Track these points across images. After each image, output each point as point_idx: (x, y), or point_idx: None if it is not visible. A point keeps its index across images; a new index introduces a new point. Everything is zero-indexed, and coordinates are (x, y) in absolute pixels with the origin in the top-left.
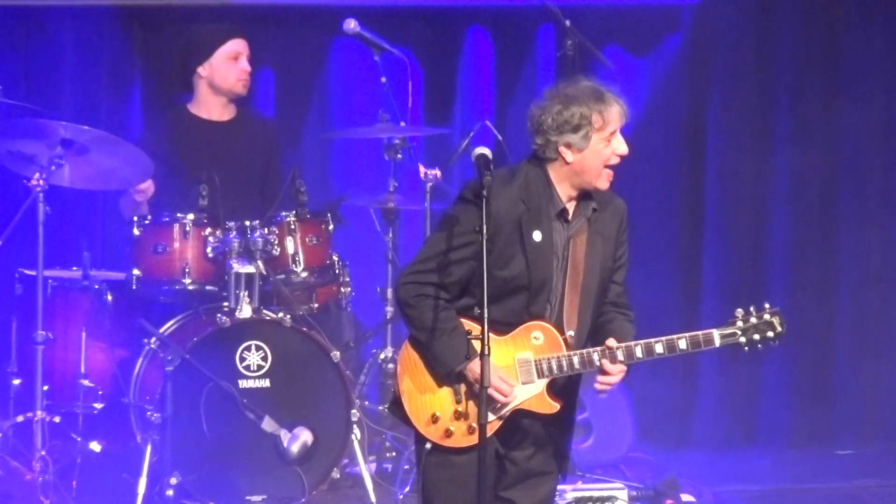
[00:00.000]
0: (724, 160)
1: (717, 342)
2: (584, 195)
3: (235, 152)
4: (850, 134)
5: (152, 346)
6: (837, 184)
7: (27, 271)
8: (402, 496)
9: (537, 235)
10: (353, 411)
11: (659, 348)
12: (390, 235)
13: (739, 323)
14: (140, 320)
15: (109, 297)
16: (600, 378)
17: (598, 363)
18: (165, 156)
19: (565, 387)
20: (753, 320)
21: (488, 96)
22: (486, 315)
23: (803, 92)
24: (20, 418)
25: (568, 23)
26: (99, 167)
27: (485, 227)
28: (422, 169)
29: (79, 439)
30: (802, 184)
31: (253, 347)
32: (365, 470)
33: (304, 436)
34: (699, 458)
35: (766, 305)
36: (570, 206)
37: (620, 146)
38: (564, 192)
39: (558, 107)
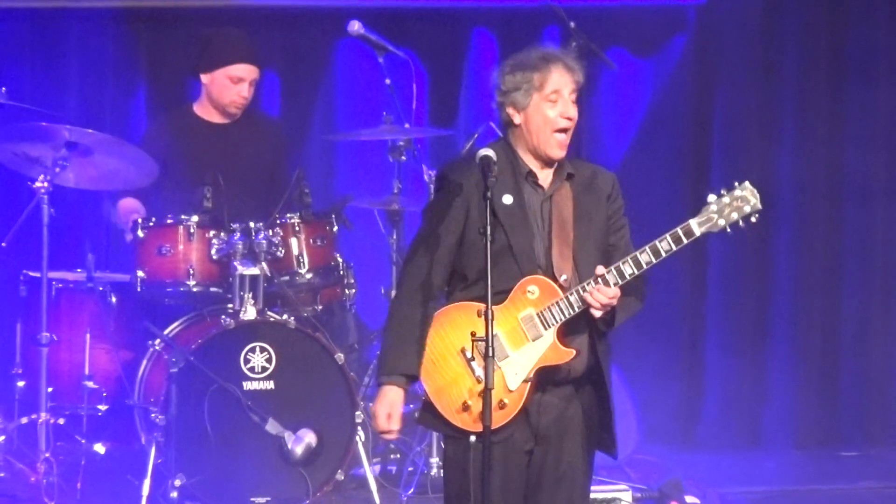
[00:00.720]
0: (729, 161)
1: (697, 231)
2: (558, 166)
3: (240, 154)
4: (856, 134)
5: (157, 347)
6: (843, 184)
7: (32, 273)
8: (405, 498)
9: (507, 199)
10: (357, 413)
11: (645, 257)
12: (394, 237)
13: (713, 206)
14: (144, 322)
15: (114, 299)
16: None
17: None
18: (169, 156)
19: (587, 344)
20: (726, 199)
21: (493, 98)
22: (490, 320)
23: (809, 92)
24: (24, 420)
25: (573, 24)
26: (103, 168)
27: (487, 225)
28: (426, 170)
29: (83, 441)
30: (808, 184)
31: (257, 349)
32: (369, 472)
33: (309, 438)
34: (704, 459)
35: (735, 183)
36: (542, 173)
37: (566, 109)
38: (528, 159)
39: (508, 68)
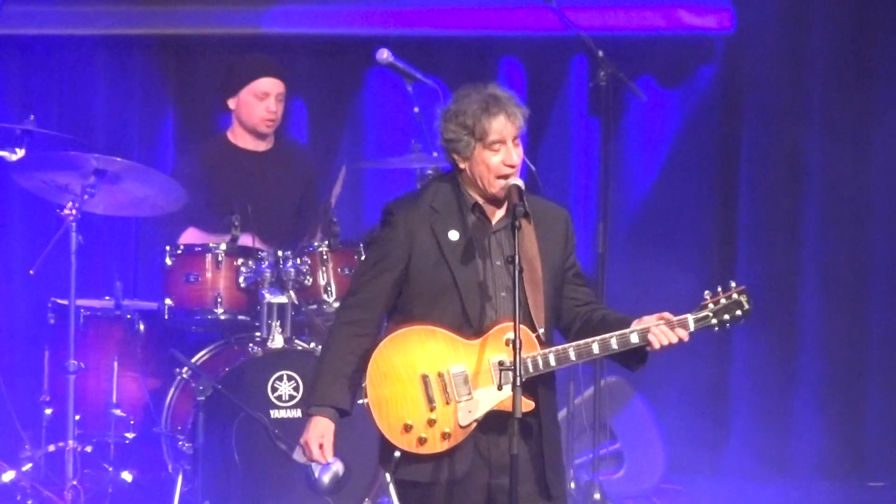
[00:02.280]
0: (757, 191)
1: (692, 326)
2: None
3: (271, 182)
4: (885, 164)
5: (184, 375)
6: (872, 213)
7: (60, 300)
8: None
9: (453, 234)
10: None
11: (634, 338)
12: None
13: (710, 305)
14: (172, 350)
15: (141, 327)
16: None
17: (573, 358)
18: (202, 183)
19: (540, 389)
20: (723, 301)
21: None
22: (518, 345)
23: (838, 124)
24: (52, 448)
25: (601, 53)
26: (131, 195)
27: (516, 255)
28: None
29: (110, 469)
30: (837, 216)
31: (285, 377)
32: (396, 501)
33: (336, 466)
34: (730, 488)
35: (732, 284)
36: (489, 207)
37: (508, 157)
38: (475, 193)
39: (450, 114)
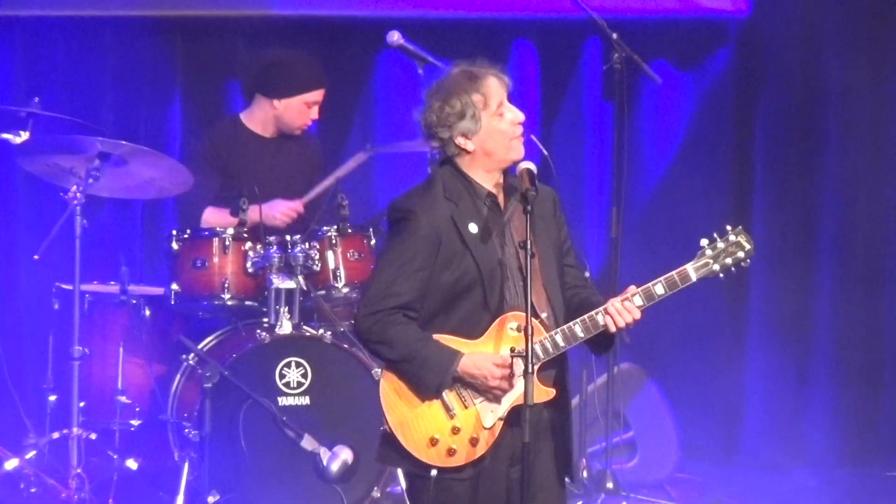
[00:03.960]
0: (772, 176)
1: (694, 276)
2: (509, 186)
3: (278, 167)
4: None
5: (190, 362)
6: (888, 198)
7: (64, 286)
8: None
9: (473, 227)
10: None
11: (638, 300)
12: None
13: (708, 251)
14: (178, 336)
15: (147, 313)
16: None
17: (581, 334)
18: (216, 165)
19: (555, 375)
20: (721, 245)
21: (533, 110)
22: (530, 334)
23: (854, 106)
24: (56, 435)
25: (615, 36)
26: (138, 178)
27: (528, 240)
28: None
29: (115, 457)
30: (852, 199)
31: (293, 364)
32: (406, 489)
33: (345, 454)
34: (746, 477)
35: (728, 227)
36: (498, 192)
37: (514, 114)
38: (484, 179)
39: (438, 103)
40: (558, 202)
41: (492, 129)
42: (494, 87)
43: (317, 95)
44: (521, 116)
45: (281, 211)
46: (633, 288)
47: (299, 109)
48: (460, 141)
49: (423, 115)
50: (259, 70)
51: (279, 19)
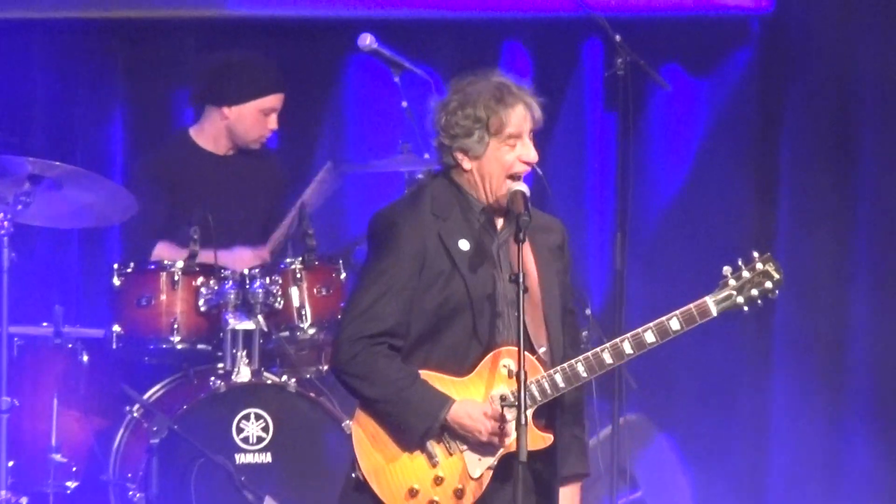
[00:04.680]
0: (801, 194)
1: (714, 310)
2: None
3: (235, 191)
4: None
5: (135, 414)
6: None
7: None
8: None
9: (463, 244)
10: None
11: (650, 337)
12: None
13: (732, 282)
14: (121, 385)
15: (85, 358)
16: None
17: (584, 374)
18: (162, 189)
19: (550, 415)
20: (746, 274)
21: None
22: (523, 380)
23: (890, 111)
24: None
25: (618, 37)
26: (74, 204)
27: (521, 272)
28: None
29: None
30: (893, 221)
31: (252, 416)
32: None
33: None
34: None
35: (755, 254)
36: (495, 212)
37: (527, 152)
38: (478, 194)
39: (454, 105)
40: (567, 238)
41: (494, 157)
42: (519, 117)
43: (273, 101)
44: (533, 156)
45: (244, 262)
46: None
47: (254, 118)
48: (459, 156)
49: (436, 112)
50: (206, 76)
51: (234, 20)
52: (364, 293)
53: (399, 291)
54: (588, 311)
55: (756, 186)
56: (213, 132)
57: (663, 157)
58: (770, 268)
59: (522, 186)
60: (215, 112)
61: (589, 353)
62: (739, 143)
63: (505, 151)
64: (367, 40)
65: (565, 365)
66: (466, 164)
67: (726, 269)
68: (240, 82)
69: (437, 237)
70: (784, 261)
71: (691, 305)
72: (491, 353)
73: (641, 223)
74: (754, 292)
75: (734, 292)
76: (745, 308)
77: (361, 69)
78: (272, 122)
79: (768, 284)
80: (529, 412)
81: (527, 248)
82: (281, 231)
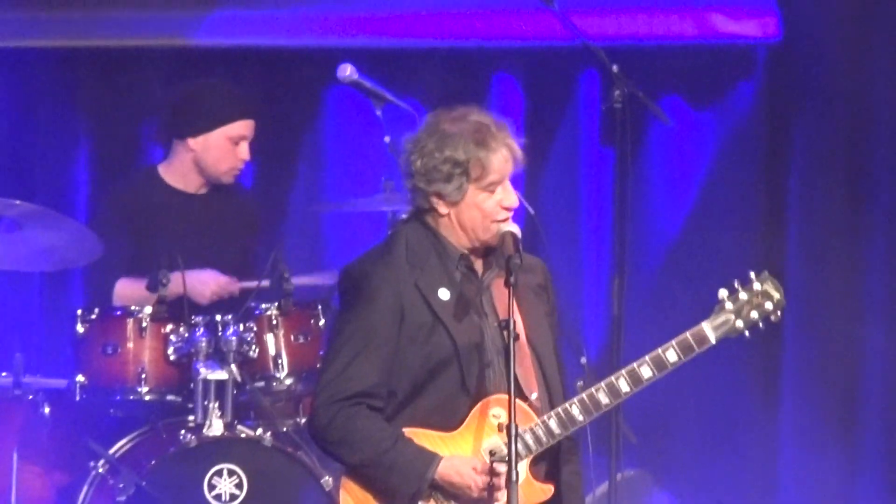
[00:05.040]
0: (811, 233)
1: (713, 337)
2: (487, 250)
3: (206, 231)
4: None
5: (100, 470)
6: None
7: None
8: None
9: (444, 293)
10: None
11: (646, 371)
12: None
13: (728, 304)
14: (85, 438)
15: (47, 410)
16: None
17: (580, 418)
18: (132, 230)
19: (550, 464)
20: (744, 296)
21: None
22: (514, 433)
23: None
24: None
25: (615, 68)
26: (34, 246)
27: (511, 318)
28: None
29: None
30: None
31: (225, 472)
32: None
33: None
34: None
35: (752, 274)
36: (474, 256)
37: (507, 198)
38: (459, 242)
39: (430, 146)
40: (549, 276)
41: (473, 204)
42: (500, 162)
43: (242, 128)
44: (513, 200)
45: (213, 286)
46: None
47: (222, 147)
48: (433, 199)
49: (408, 151)
50: (169, 108)
51: (203, 50)
52: (338, 353)
53: (376, 349)
54: (583, 360)
55: (763, 227)
56: (181, 168)
57: (664, 196)
58: (769, 287)
59: (513, 227)
60: (181, 146)
61: (584, 395)
62: (745, 180)
63: (484, 198)
64: (346, 71)
65: (559, 409)
66: (443, 209)
67: (722, 292)
68: (204, 110)
69: (415, 288)
70: (793, 297)
71: (687, 333)
72: (479, 404)
73: (641, 266)
74: (754, 315)
75: (732, 316)
76: (746, 333)
77: (341, 102)
78: (243, 152)
79: (769, 305)
80: (524, 464)
81: (504, 288)
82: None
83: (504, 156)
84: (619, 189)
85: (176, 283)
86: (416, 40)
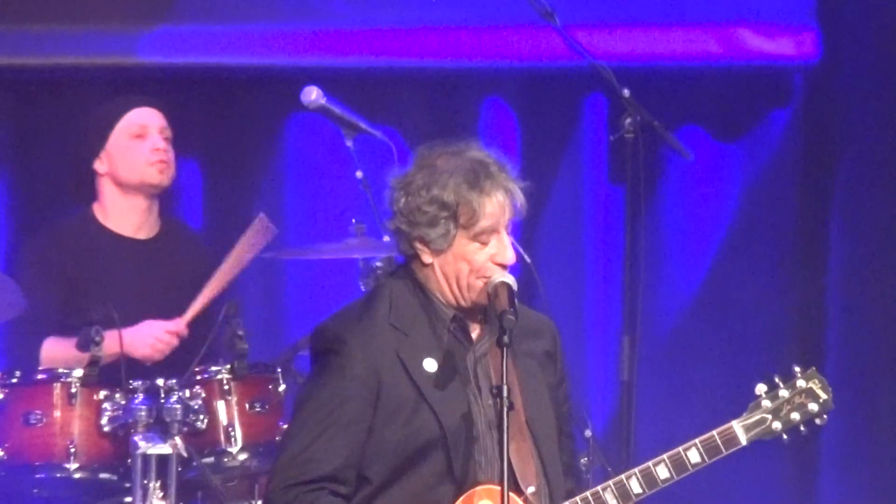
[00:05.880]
0: (854, 285)
1: (744, 438)
2: (485, 309)
3: (152, 282)
4: None
5: None
6: None
7: None
8: None
9: (429, 364)
10: None
11: (663, 472)
12: None
13: (766, 403)
14: None
15: None
16: None
17: None
18: (55, 281)
19: None
20: (785, 393)
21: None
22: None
23: None
24: None
25: (626, 92)
26: None
27: (504, 383)
28: None
29: None
30: None
31: None
32: None
33: None
34: None
35: (797, 369)
36: (470, 317)
37: (501, 252)
38: (446, 296)
39: (417, 184)
40: (558, 339)
41: (461, 255)
42: (496, 208)
43: (139, 116)
44: (510, 257)
45: (155, 338)
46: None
47: (125, 147)
48: (417, 245)
49: (395, 189)
50: (72, 147)
51: (148, 69)
52: (301, 429)
53: (345, 427)
54: (588, 433)
55: (800, 279)
56: (112, 206)
57: (682, 243)
58: (815, 385)
59: (508, 278)
60: (99, 179)
61: (588, 493)
62: (778, 225)
63: (474, 249)
64: (312, 94)
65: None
66: (427, 257)
67: (760, 388)
68: (92, 123)
69: (397, 358)
70: (835, 372)
71: (714, 432)
72: (464, 495)
73: (655, 325)
74: (795, 416)
75: (769, 416)
76: (784, 436)
77: (306, 130)
78: (156, 142)
79: (813, 407)
80: None
81: (509, 356)
82: (206, 296)
83: (500, 201)
84: (630, 235)
85: (111, 340)
86: (394, 60)
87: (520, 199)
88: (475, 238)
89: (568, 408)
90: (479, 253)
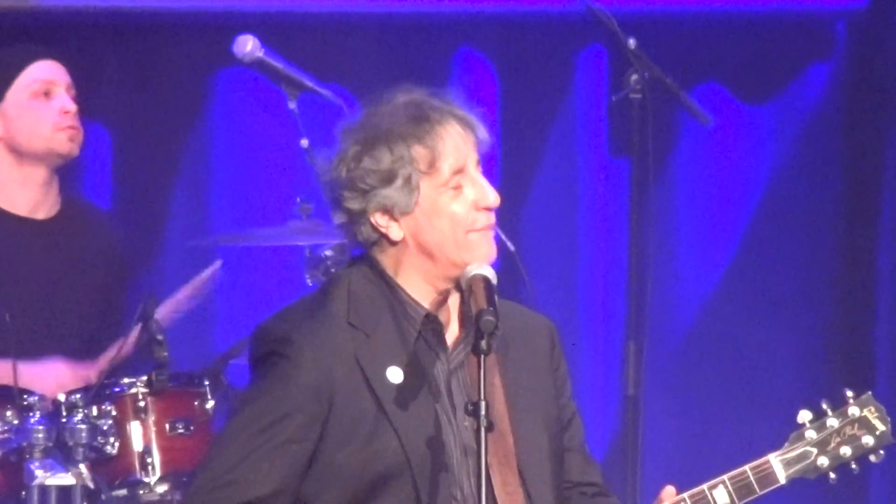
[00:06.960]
0: None
1: (783, 476)
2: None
3: (48, 272)
4: None
5: None
6: None
7: None
8: None
9: (394, 374)
10: None
11: None
12: None
13: (811, 434)
14: None
15: None
16: None
17: None
18: None
19: None
20: (833, 423)
21: (491, 168)
22: None
23: None
24: None
25: (632, 42)
26: None
27: (481, 398)
28: None
29: None
30: None
31: None
32: None
33: None
34: None
35: (849, 394)
36: (442, 312)
37: (481, 194)
38: (421, 291)
39: (354, 150)
40: (558, 341)
41: (437, 210)
42: (455, 139)
43: (41, 71)
44: (492, 198)
45: (58, 384)
46: (669, 490)
47: (28, 108)
48: (379, 220)
49: (332, 168)
50: None
51: (47, 14)
52: (228, 445)
53: (281, 446)
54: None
55: (845, 274)
56: (4, 177)
57: (699, 229)
58: (871, 414)
59: (486, 270)
60: None
61: None
62: (817, 206)
63: (449, 199)
64: (248, 45)
65: None
66: (395, 231)
67: (803, 415)
68: None
69: (355, 362)
70: (889, 394)
71: (747, 467)
72: None
73: (665, 329)
74: (846, 451)
75: (814, 449)
76: (832, 474)
77: (238, 89)
78: (63, 102)
79: (868, 440)
80: None
81: (492, 365)
82: (122, 347)
83: (457, 130)
84: (636, 219)
85: (4, 371)
86: (346, 2)
87: (478, 125)
88: (445, 185)
89: (573, 417)
90: (456, 202)
